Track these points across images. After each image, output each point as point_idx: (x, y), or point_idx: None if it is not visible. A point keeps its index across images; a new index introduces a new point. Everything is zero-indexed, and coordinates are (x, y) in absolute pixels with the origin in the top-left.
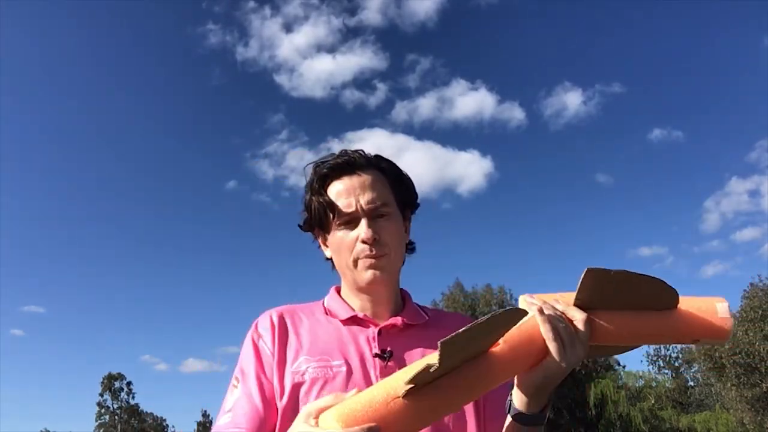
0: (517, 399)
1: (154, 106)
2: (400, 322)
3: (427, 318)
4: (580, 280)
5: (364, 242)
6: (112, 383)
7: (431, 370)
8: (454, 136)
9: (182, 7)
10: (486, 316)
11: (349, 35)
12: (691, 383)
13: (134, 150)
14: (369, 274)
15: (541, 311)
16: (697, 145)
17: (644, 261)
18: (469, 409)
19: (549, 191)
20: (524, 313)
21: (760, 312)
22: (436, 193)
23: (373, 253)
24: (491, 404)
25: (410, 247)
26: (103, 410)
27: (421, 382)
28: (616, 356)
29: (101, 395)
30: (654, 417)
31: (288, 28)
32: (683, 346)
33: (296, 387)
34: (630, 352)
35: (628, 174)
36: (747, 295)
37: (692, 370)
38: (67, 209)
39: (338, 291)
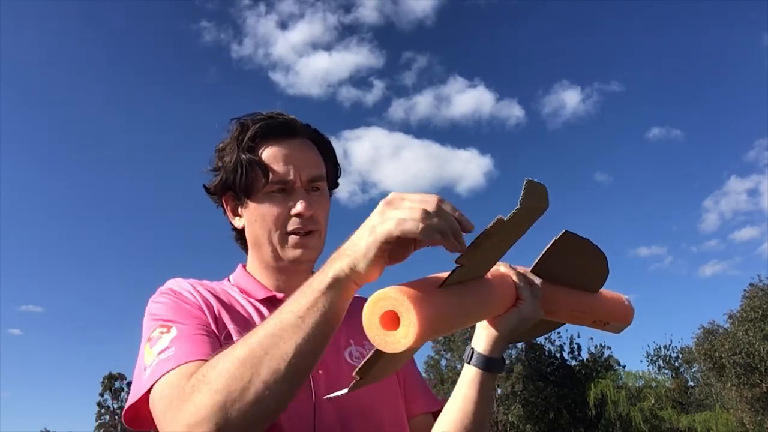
0: (483, 343)
1: (149, 105)
2: None
3: None
4: (554, 240)
5: (299, 216)
6: (112, 383)
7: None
8: (453, 134)
9: (176, 5)
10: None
11: (345, 33)
12: (691, 383)
13: (131, 149)
14: (297, 252)
15: (509, 266)
16: (695, 143)
17: (643, 261)
18: (396, 392)
19: (549, 190)
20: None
21: (760, 312)
22: (435, 191)
23: (307, 228)
24: (410, 385)
25: None
26: (103, 410)
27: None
28: (615, 356)
29: (101, 395)
30: (654, 417)
31: (283, 25)
32: (683, 345)
33: None
34: (629, 352)
35: (627, 173)
36: (747, 295)
37: (692, 370)
38: (64, 208)
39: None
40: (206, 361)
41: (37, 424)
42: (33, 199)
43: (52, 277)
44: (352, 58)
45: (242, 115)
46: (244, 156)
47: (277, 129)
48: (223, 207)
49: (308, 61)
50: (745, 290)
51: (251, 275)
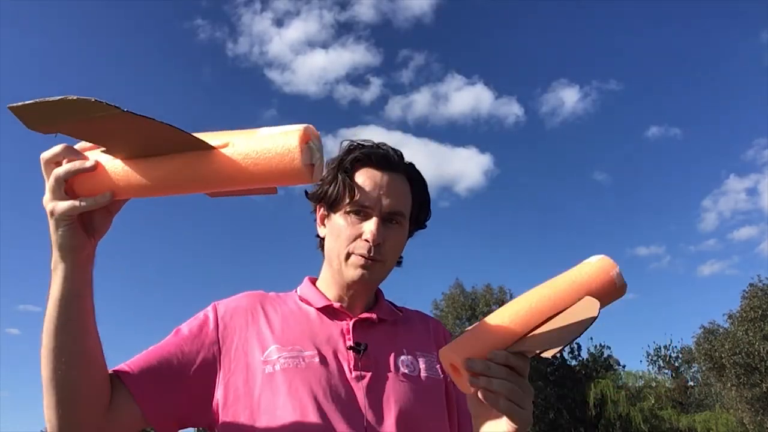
0: None
1: (145, 104)
2: (375, 317)
3: (400, 314)
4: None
5: (367, 241)
6: None
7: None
8: (451, 132)
9: (170, 4)
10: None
11: (342, 30)
12: (691, 383)
13: None
14: (357, 273)
15: (487, 391)
16: (694, 142)
17: (642, 260)
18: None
19: (548, 189)
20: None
21: (760, 312)
22: (434, 191)
23: (371, 255)
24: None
25: (399, 261)
26: None
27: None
28: (615, 356)
29: None
30: (654, 417)
31: (279, 23)
32: (683, 345)
33: (268, 378)
34: (629, 352)
35: (626, 172)
36: (747, 295)
37: (692, 370)
38: None
39: (313, 282)
40: (117, 371)
41: (37, 424)
42: (31, 198)
43: (49, 276)
44: (349, 56)
45: (357, 140)
46: (340, 174)
47: (377, 158)
48: (315, 214)
49: (304, 59)
50: (744, 290)
51: (315, 287)
